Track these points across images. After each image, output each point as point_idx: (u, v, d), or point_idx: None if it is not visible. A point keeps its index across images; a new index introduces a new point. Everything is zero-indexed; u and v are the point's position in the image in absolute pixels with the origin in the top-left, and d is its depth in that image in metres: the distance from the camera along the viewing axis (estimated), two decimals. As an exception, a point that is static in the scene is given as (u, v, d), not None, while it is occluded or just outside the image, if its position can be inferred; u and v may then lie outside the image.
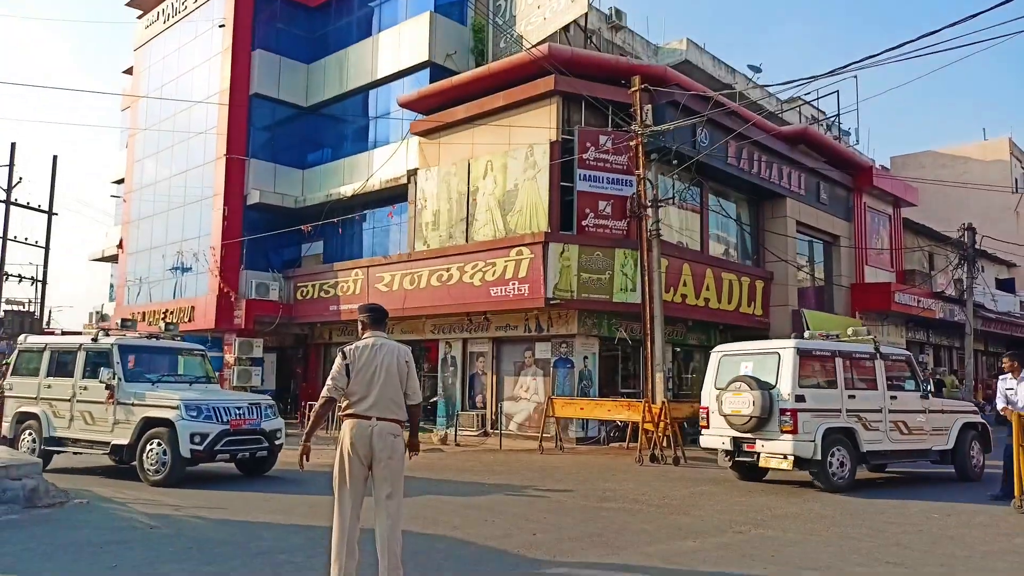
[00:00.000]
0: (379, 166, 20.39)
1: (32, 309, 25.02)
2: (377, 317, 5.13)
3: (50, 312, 33.79)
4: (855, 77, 40.36)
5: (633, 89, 15.29)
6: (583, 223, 16.28)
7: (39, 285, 23.60)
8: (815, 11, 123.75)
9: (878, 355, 10.55)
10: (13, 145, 22.17)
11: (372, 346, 4.93)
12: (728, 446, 10.34)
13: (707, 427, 10.79)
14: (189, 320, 22.07)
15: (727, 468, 10.83)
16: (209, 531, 6.91)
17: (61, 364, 11.06)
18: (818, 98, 26.40)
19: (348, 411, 4.86)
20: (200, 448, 9.51)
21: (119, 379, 10.11)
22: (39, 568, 5.43)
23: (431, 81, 19.72)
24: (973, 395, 20.95)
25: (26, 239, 23.19)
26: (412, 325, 18.88)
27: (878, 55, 10.23)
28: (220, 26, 22.93)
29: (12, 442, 10.96)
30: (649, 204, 15.25)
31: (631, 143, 15.53)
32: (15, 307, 26.02)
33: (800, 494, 9.65)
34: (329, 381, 4.88)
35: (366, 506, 4.86)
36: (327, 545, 4.88)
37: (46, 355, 11.26)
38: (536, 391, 16.86)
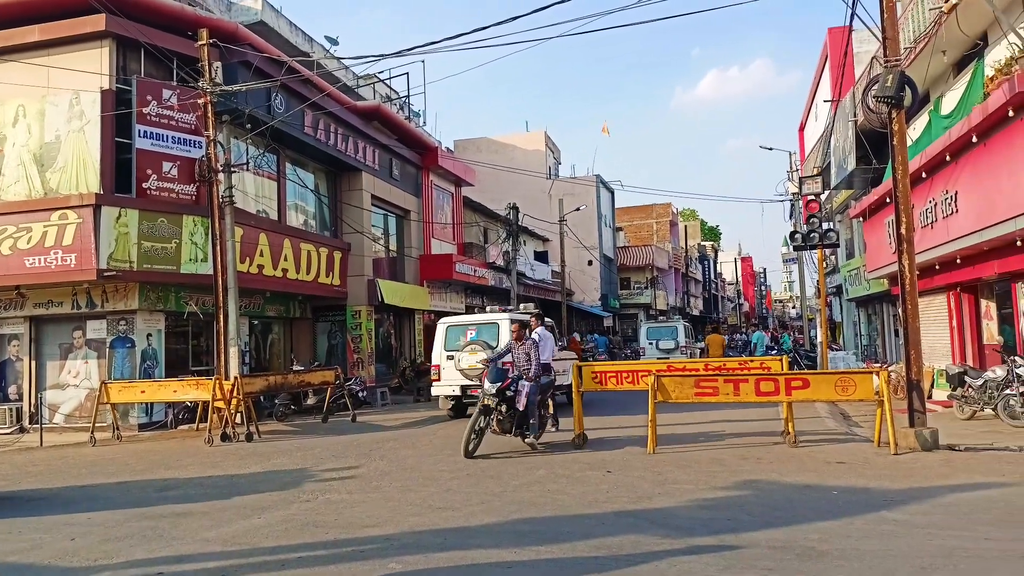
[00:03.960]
0: None
1: None
2: None
3: None
4: (423, 61, 43.43)
5: (201, 43, 14.22)
6: (144, 185, 14.69)
7: None
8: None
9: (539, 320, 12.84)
10: None
11: None
12: (457, 392, 14.04)
13: (439, 380, 14.39)
14: None
15: (446, 411, 14.59)
16: None
17: None
18: (391, 78, 27.88)
19: None
20: None
21: None
22: None
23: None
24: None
25: None
26: None
27: (438, 42, 11.15)
28: None
29: None
30: (220, 168, 14.43)
31: (199, 101, 14.45)
32: None
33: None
34: None
35: None
36: None
37: None
38: (88, 376, 14.88)
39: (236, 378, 13.00)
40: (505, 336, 13.18)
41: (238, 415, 12.78)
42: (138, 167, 14.66)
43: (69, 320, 15.14)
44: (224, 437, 12.41)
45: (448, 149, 36.31)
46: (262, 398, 14.80)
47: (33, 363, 15.24)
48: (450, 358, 14.21)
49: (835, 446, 9.62)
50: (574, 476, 8.04)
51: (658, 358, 27.31)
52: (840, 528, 5.55)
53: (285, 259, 17.84)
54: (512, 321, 12.43)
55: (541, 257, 39.25)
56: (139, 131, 14.67)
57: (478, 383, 11.99)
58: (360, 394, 17.58)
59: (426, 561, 5.10)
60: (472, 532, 5.86)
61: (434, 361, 14.40)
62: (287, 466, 9.63)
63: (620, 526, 5.87)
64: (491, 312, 15.38)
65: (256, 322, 18.86)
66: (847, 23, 10.89)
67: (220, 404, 12.54)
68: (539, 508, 6.60)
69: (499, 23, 10.20)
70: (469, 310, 29.99)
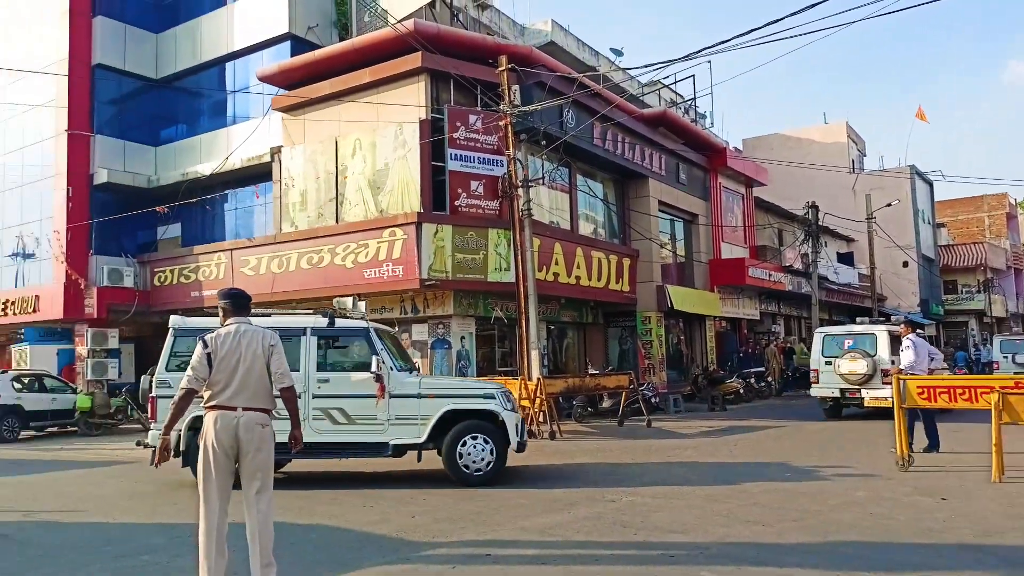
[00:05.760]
0: (239, 143, 19.41)
1: None
2: (239, 303, 4.89)
3: None
4: (709, 62, 42.31)
5: (501, 68, 15.34)
6: (456, 203, 16.24)
7: None
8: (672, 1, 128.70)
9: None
10: None
11: (235, 333, 4.70)
12: (836, 394, 15.22)
13: (817, 383, 15.68)
14: (34, 310, 20.32)
15: (824, 409, 15.74)
16: (62, 536, 6.43)
17: None
18: (676, 82, 27.56)
19: (211, 402, 4.62)
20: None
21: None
22: None
23: (292, 55, 18.94)
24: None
25: None
26: (282, 310, 18.21)
27: (727, 41, 10.78)
28: (55, -11, 20.97)
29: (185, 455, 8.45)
30: (520, 184, 15.42)
31: (500, 123, 15.60)
32: None
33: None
34: (189, 371, 4.61)
35: (235, 500, 4.67)
36: (194, 543, 4.66)
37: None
38: (412, 373, 16.75)
39: (539, 379, 13.78)
40: (884, 346, 14.84)
41: (541, 414, 13.51)
42: (450, 187, 16.24)
43: (398, 324, 17.20)
44: (529, 434, 13.18)
45: (736, 149, 35.04)
46: (560, 399, 15.49)
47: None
48: (828, 364, 15.50)
49: None
50: (901, 500, 7.24)
51: (1015, 372, 23.63)
52: None
53: (578, 266, 18.53)
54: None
55: (845, 259, 36.05)
56: (451, 155, 16.27)
57: (855, 387, 14.69)
58: (653, 400, 17.60)
59: (739, 573, 4.94)
60: (787, 549, 5.55)
61: (812, 366, 16.10)
62: (588, 465, 9.95)
63: (963, 561, 5.17)
64: (860, 323, 16.94)
65: (553, 327, 19.82)
66: None
67: (525, 403, 13.35)
68: (861, 531, 6.05)
69: (795, 12, 9.59)
70: (763, 317, 28.61)
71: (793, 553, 5.41)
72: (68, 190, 20.13)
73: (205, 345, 4.63)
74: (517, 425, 8.70)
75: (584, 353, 21.03)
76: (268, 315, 9.29)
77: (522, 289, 15.32)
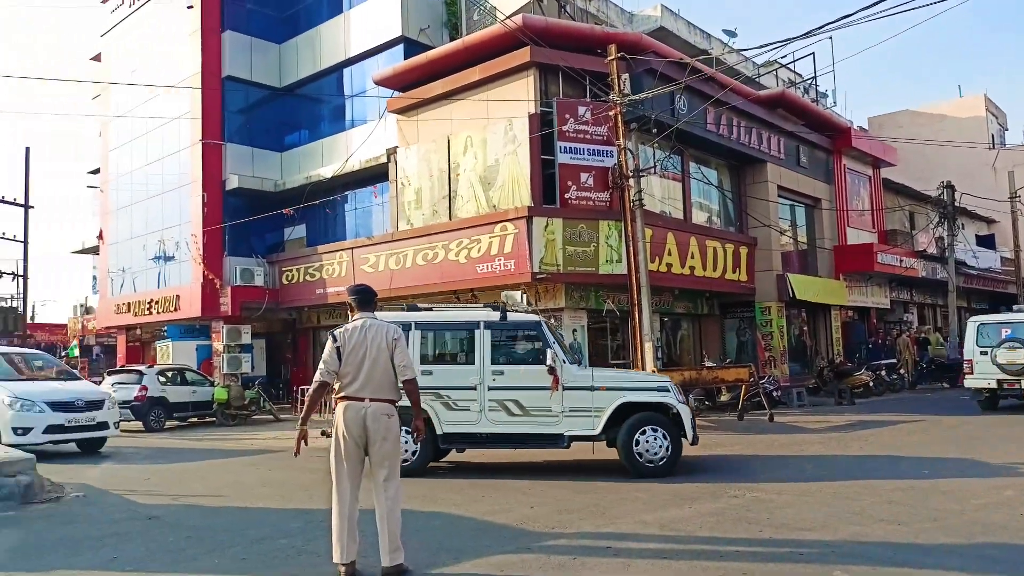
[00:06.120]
0: (357, 146, 20.17)
1: (15, 304, 24.67)
2: (365, 298, 5.11)
3: (33, 306, 33.42)
4: (830, 38, 40.33)
5: (610, 58, 15.17)
6: (566, 196, 16.24)
7: (20, 280, 23.26)
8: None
9: None
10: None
11: (361, 327, 4.92)
12: (992, 385, 14.49)
13: (971, 374, 14.90)
14: (175, 309, 21.91)
15: (979, 401, 14.96)
16: (207, 519, 6.92)
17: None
18: (794, 61, 26.37)
19: (341, 393, 4.87)
20: None
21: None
22: (39, 564, 5.42)
23: (405, 57, 19.48)
24: (958, 353, 21.22)
25: (3, 234, 22.86)
26: (399, 305, 18.82)
27: (852, 15, 10.19)
28: (188, 7, 22.47)
29: None
30: (631, 174, 15.21)
31: (610, 113, 15.44)
32: (-4, 303, 25.69)
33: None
34: (321, 365, 4.89)
35: (365, 487, 4.88)
36: (327, 527, 4.91)
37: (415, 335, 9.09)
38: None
39: (653, 371, 13.58)
40: None
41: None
42: (560, 180, 16.25)
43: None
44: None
45: (862, 128, 33.15)
46: (676, 392, 15.21)
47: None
48: (983, 354, 14.77)
49: None
50: (1057, 500, 6.68)
51: None
52: None
53: (692, 256, 18.12)
54: None
55: (986, 242, 33.42)
56: (560, 147, 16.27)
57: (1014, 378, 14.13)
58: (774, 393, 16.97)
59: (874, 574, 4.71)
60: (925, 550, 5.24)
61: (966, 356, 15.32)
62: (708, 459, 9.73)
63: None
64: (1018, 311, 16.12)
65: (666, 319, 19.48)
66: None
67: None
68: (1013, 534, 5.62)
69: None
70: (894, 305, 27.04)
71: (932, 554, 5.10)
72: (203, 196, 21.56)
73: (335, 339, 4.88)
74: (691, 418, 8.74)
75: (699, 345, 20.56)
76: (430, 309, 9.59)
77: (634, 281, 15.13)
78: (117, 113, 25.22)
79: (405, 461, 8.45)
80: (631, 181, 15.20)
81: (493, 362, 8.80)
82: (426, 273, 17.31)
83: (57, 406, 11.41)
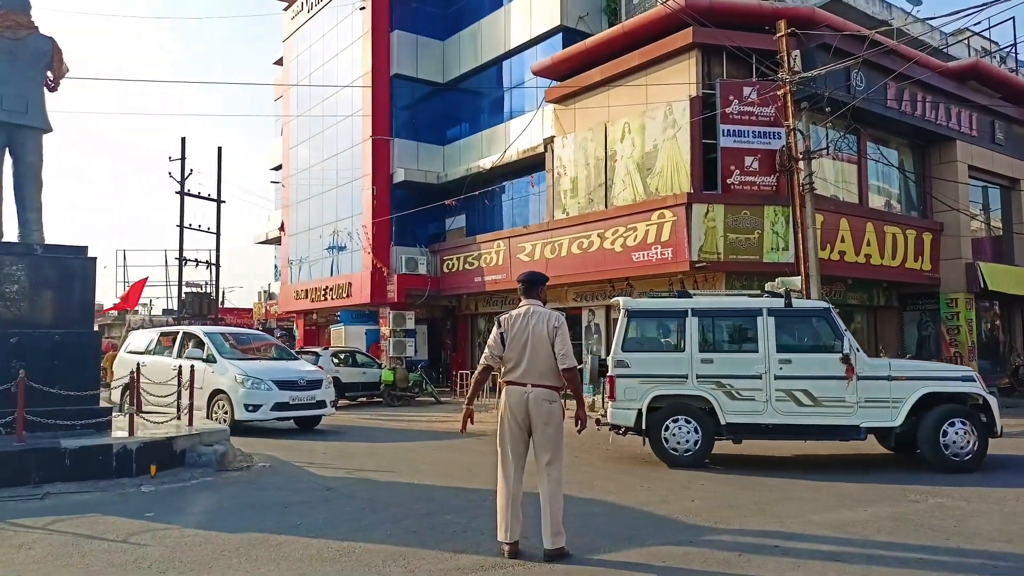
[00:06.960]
0: (515, 137, 20.52)
1: (208, 291, 27.26)
2: (527, 287, 5.19)
3: (223, 292, 36.80)
4: (1036, -1, 36.09)
5: (779, 35, 14.38)
6: (728, 181, 15.65)
7: (212, 268, 25.66)
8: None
9: None
10: (183, 140, 24.07)
11: (525, 314, 5.01)
12: None
13: None
14: (347, 295, 23.38)
15: None
16: (379, 492, 7.33)
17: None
18: (989, 28, 23.77)
19: (506, 378, 5.00)
20: None
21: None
22: (234, 525, 5.98)
23: (564, 46, 19.52)
24: None
25: (199, 226, 25.28)
26: (555, 294, 18.98)
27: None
28: (360, 8, 23.77)
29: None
30: (800, 156, 14.39)
31: (778, 93, 14.67)
32: (194, 289, 28.47)
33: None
34: (486, 349, 5.06)
35: (529, 470, 4.98)
36: (489, 507, 5.06)
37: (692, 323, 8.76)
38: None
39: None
40: None
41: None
42: (723, 164, 15.68)
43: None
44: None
45: (1071, 99, 29.37)
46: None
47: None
48: None
49: None
50: None
51: None
52: None
53: (867, 244, 16.92)
54: None
55: None
56: (723, 131, 15.70)
57: None
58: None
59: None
60: None
61: None
62: (876, 457, 9.07)
63: None
64: None
65: (838, 310, 18.27)
66: None
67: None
68: None
69: None
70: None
71: None
72: (373, 189, 22.79)
73: (499, 325, 5.02)
74: (998, 410, 8.36)
75: (875, 339, 19.17)
76: (717, 295, 9.68)
77: (803, 270, 14.32)
78: (297, 113, 27.18)
79: (688, 452, 8.52)
80: (801, 164, 14.38)
81: (779, 350, 8.55)
82: (581, 262, 17.34)
83: (283, 384, 12.03)
